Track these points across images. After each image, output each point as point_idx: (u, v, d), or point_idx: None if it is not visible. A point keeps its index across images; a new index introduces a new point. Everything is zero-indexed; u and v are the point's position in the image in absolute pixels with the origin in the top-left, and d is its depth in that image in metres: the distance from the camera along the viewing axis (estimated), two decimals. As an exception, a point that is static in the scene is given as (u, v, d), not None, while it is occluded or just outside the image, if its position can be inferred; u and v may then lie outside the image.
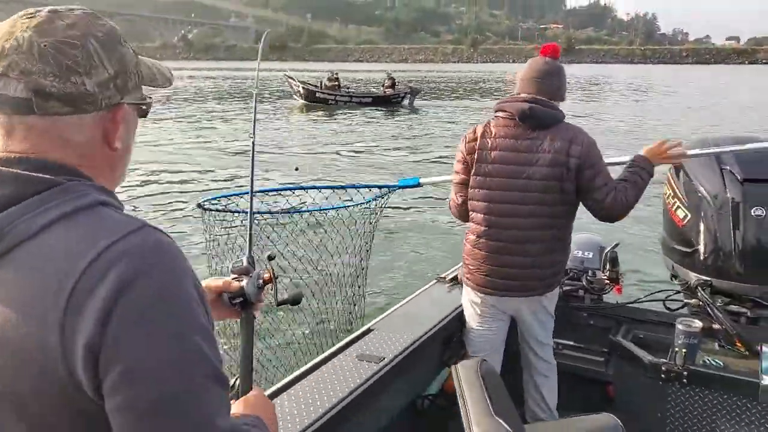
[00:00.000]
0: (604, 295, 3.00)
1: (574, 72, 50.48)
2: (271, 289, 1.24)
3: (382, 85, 27.74)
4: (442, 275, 3.03)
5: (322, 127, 18.98)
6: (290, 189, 3.15)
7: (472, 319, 2.58)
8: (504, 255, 2.37)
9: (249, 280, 1.19)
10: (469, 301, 2.56)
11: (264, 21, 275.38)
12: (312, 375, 2.07)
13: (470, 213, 2.45)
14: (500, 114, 2.41)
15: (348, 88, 28.57)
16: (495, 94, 33.06)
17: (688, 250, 2.82)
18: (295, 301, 1.32)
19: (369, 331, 2.44)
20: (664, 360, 2.59)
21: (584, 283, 3.00)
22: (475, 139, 2.40)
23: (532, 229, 2.33)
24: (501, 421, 1.43)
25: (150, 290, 0.72)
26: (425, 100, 28.15)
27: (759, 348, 2.59)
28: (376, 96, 26.91)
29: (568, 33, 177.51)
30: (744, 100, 28.08)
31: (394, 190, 3.13)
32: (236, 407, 1.03)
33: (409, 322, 2.53)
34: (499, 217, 2.36)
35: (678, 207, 2.87)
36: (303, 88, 25.65)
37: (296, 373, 2.09)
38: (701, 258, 2.77)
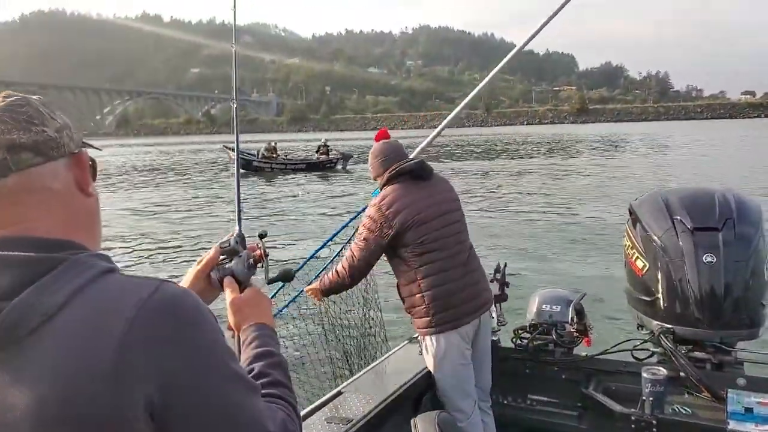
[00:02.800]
0: (574, 348, 3.05)
1: (588, 131, 50.98)
2: (262, 267, 1.20)
3: (317, 151, 30.13)
4: (415, 335, 3.06)
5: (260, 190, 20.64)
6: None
7: (454, 363, 2.68)
8: (468, 274, 2.71)
9: (238, 260, 1.16)
10: (448, 346, 2.66)
11: (285, 94, 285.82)
12: None
13: (417, 264, 2.65)
14: (401, 179, 2.72)
15: (286, 155, 30.82)
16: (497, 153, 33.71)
17: (649, 299, 2.89)
18: (286, 277, 1.29)
19: (339, 393, 2.48)
20: (634, 410, 2.63)
21: (554, 336, 3.07)
22: (393, 203, 2.66)
23: (470, 248, 2.81)
24: None
25: (193, 342, 0.81)
26: (355, 164, 29.51)
27: (724, 393, 2.62)
28: (310, 162, 29.14)
29: (581, 93, 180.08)
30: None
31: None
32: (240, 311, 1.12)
33: (380, 383, 2.58)
34: (450, 249, 2.69)
35: (637, 257, 2.97)
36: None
37: None
38: (662, 306, 2.84)
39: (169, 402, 0.77)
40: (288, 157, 30.94)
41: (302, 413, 2.28)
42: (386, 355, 2.96)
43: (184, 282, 1.18)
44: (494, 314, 3.07)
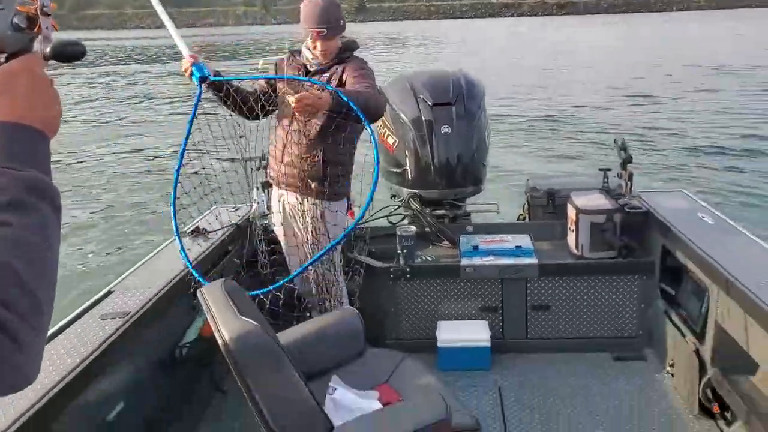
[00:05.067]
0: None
1: (364, 30, 52.09)
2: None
3: None
4: (184, 229, 2.96)
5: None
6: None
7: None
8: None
9: None
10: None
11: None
12: (54, 340, 2.00)
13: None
14: None
15: None
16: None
17: (399, 170, 3.33)
18: (72, 56, 0.86)
19: (110, 292, 2.42)
20: (391, 264, 3.09)
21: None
22: None
23: None
24: (247, 318, 1.52)
25: None
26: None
27: (458, 239, 3.21)
28: None
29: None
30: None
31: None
32: None
33: (152, 277, 2.55)
34: None
35: (388, 135, 3.35)
36: None
37: None
38: (410, 176, 3.30)
39: None
40: None
41: (74, 314, 2.19)
42: (156, 250, 2.92)
43: None
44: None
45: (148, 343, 2.32)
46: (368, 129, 2.37)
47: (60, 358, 1.89)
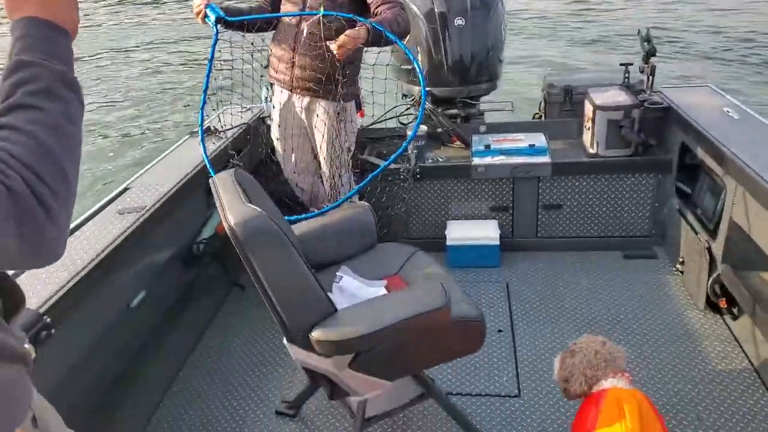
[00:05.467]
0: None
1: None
2: None
3: None
4: (195, 130, 2.97)
5: None
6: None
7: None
8: None
9: None
10: None
11: None
12: (73, 234, 2.05)
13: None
14: None
15: None
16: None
17: (410, 67, 3.20)
18: None
19: (126, 189, 2.45)
20: (402, 165, 3.06)
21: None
22: None
23: None
24: (254, 206, 1.52)
25: None
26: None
27: (470, 139, 3.15)
28: None
29: None
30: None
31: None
32: None
33: (168, 173, 2.57)
34: None
35: (400, 29, 3.20)
36: None
37: None
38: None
39: None
40: None
41: (92, 210, 2.25)
42: (171, 148, 2.94)
43: None
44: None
45: (165, 237, 2.37)
46: (409, 57, 2.35)
47: (83, 248, 1.96)
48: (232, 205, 1.56)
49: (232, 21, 2.52)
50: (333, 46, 2.29)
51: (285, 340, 1.66)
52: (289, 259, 1.50)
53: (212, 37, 2.52)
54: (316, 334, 1.52)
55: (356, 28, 2.32)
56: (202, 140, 2.65)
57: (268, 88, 3.05)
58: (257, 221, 1.47)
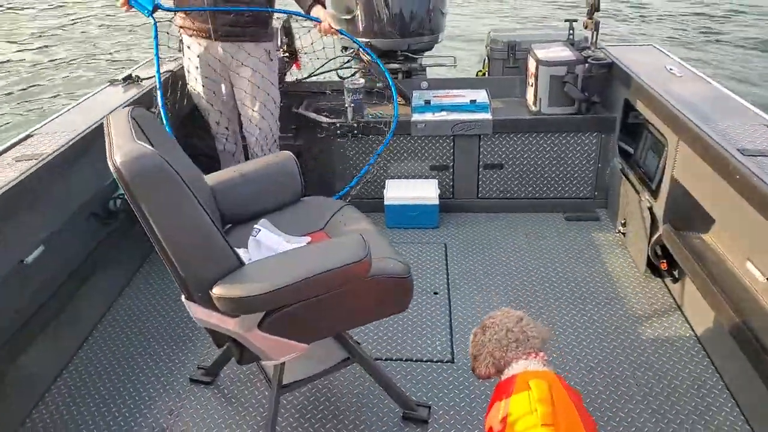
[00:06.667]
0: (286, 73, 3.12)
1: None
2: None
3: None
4: (116, 78, 2.81)
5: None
6: None
7: None
8: None
9: None
10: None
11: None
12: None
13: None
14: None
15: None
16: None
17: (349, 17, 3.00)
18: None
19: (29, 136, 2.23)
20: (339, 120, 2.88)
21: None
22: None
23: None
24: (141, 143, 1.33)
25: None
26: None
27: (410, 94, 2.99)
28: None
29: None
30: None
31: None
32: None
33: (76, 122, 2.34)
34: None
35: (335, -24, 2.99)
36: None
37: None
38: (360, 24, 2.99)
39: None
40: None
41: None
42: (85, 97, 2.69)
43: None
44: None
45: (70, 190, 2.14)
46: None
47: None
48: (120, 144, 1.34)
49: (169, 10, 2.40)
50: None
51: (183, 298, 1.48)
52: (182, 202, 1.30)
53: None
54: (217, 291, 1.35)
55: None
56: (163, 106, 2.37)
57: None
58: (145, 159, 1.26)
